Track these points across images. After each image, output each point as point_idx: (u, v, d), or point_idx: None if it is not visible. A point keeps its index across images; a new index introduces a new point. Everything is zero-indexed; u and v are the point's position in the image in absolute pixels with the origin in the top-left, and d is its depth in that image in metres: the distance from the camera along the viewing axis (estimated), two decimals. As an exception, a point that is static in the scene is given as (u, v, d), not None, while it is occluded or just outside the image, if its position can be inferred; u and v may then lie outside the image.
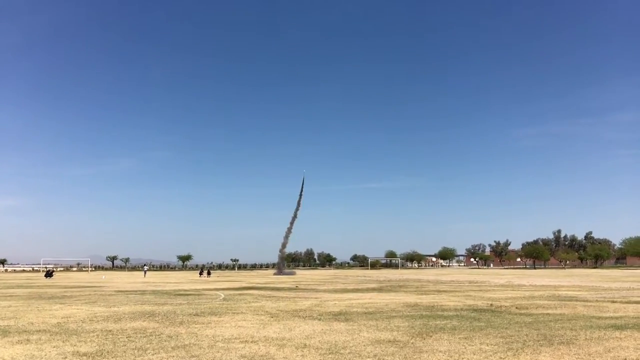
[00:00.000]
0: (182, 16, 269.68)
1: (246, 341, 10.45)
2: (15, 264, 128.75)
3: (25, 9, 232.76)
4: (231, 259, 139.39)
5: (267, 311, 16.73)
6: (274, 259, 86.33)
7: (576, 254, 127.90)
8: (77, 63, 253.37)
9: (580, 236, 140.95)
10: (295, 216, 77.20)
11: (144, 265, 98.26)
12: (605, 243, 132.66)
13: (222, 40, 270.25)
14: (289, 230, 77.52)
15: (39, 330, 12.18)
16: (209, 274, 67.31)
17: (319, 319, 14.31)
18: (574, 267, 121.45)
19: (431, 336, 11.02)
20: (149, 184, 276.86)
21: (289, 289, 31.74)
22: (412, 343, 10.18)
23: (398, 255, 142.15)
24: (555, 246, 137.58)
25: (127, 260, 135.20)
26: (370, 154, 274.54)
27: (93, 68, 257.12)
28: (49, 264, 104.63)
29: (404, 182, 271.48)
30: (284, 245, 78.80)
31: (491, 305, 18.63)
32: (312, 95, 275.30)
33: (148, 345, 9.99)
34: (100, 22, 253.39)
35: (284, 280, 49.76)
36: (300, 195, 78.51)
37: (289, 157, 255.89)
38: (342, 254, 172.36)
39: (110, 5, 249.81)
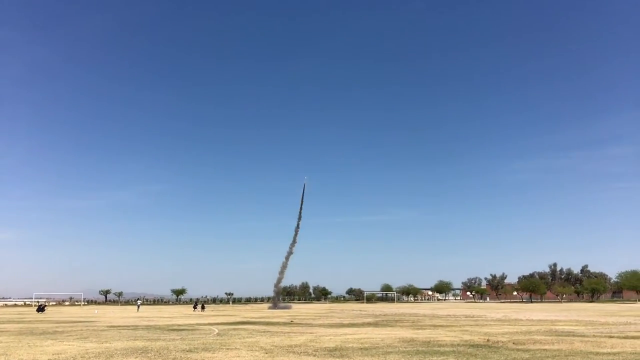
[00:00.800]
0: (179, 47, 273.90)
1: (240, 378, 10.34)
2: (6, 298, 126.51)
3: (25, 42, 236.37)
4: (226, 293, 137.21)
5: (261, 347, 16.54)
6: (269, 292, 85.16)
7: (572, 287, 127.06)
8: (74, 94, 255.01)
9: (576, 270, 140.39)
10: (290, 252, 76.08)
11: (138, 299, 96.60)
12: (602, 277, 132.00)
13: (218, 71, 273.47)
14: (285, 265, 76.54)
15: (30, 367, 12.00)
16: (203, 308, 66.49)
17: (314, 355, 14.17)
18: (571, 301, 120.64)
19: (427, 373, 10.93)
20: (143, 217, 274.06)
21: (284, 324, 31.37)
22: (408, 380, 10.10)
23: (394, 289, 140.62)
24: (552, 279, 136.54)
25: (120, 294, 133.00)
26: (366, 186, 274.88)
27: (90, 100, 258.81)
28: (41, 298, 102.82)
29: (400, 215, 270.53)
30: (279, 280, 77.61)
31: (488, 340, 18.49)
32: (308, 126, 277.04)
33: (141, 383, 9.87)
34: (98, 53, 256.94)
35: (279, 314, 49.15)
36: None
37: (284, 189, 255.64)
38: (338, 288, 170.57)
39: (108, 37, 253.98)
